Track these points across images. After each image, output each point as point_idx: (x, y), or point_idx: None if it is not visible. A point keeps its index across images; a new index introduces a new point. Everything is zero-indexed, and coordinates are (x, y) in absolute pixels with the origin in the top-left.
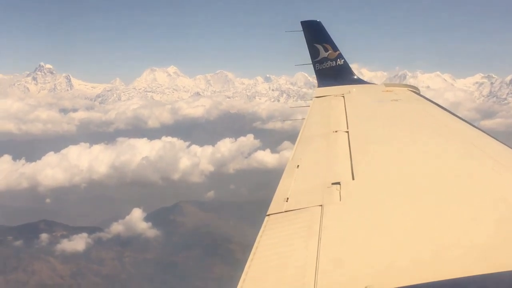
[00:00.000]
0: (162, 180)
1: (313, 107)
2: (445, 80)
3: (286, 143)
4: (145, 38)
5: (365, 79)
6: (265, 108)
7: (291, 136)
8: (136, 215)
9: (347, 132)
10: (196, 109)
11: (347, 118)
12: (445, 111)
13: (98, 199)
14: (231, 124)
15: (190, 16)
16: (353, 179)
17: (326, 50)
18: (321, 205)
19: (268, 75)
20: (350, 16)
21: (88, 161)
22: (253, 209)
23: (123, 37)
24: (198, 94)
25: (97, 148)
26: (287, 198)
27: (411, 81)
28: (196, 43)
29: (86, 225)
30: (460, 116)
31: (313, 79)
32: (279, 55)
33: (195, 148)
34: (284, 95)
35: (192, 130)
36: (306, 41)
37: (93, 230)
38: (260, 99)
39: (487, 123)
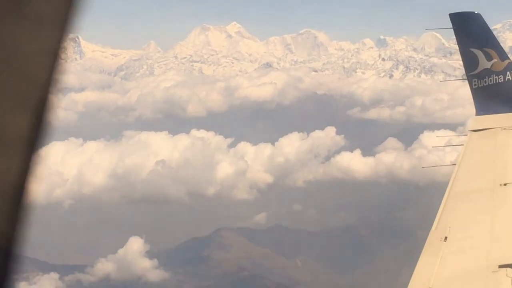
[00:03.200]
0: (189, 197)
1: (469, 146)
2: None
3: (390, 141)
4: None
5: None
6: (369, 87)
7: (402, 129)
8: (135, 247)
9: None
10: (262, 89)
11: None
12: None
13: (87, 224)
14: (315, 111)
15: None
16: None
17: (489, 58)
18: None
19: (382, 37)
20: None
21: (78, 166)
22: (332, 243)
23: None
24: (268, 65)
25: (93, 147)
26: None
27: None
28: None
29: (61, 262)
30: None
31: (450, 44)
32: (400, 8)
33: (244, 147)
34: (401, 67)
35: (252, 121)
36: (458, 43)
37: (70, 269)
38: (363, 72)
39: None
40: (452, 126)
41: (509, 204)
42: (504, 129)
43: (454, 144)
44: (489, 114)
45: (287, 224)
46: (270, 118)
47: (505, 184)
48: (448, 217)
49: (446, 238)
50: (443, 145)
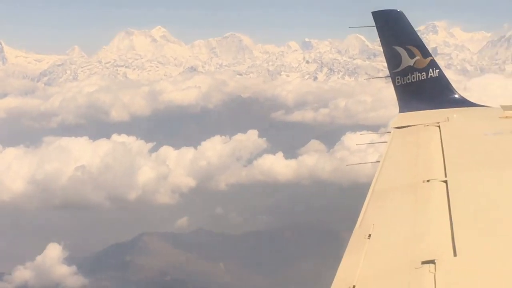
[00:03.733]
0: (110, 202)
1: (393, 143)
2: None
3: (313, 143)
4: None
5: (456, 42)
6: (293, 89)
7: (326, 131)
8: (54, 254)
9: (445, 182)
10: (186, 92)
11: (445, 160)
12: None
13: (5, 231)
14: (240, 114)
15: None
16: (455, 255)
17: (412, 55)
18: None
19: (307, 39)
20: None
21: None
22: (255, 246)
23: None
24: (193, 69)
25: (12, 153)
26: (354, 287)
27: None
28: None
29: None
30: None
31: (374, 46)
32: (325, 9)
33: (166, 151)
34: (325, 69)
35: (176, 125)
36: (381, 41)
37: None
38: (288, 75)
39: None
40: (375, 127)
41: (432, 200)
42: (427, 126)
43: (378, 142)
44: (412, 111)
45: (210, 228)
46: (194, 122)
47: (428, 181)
48: (372, 214)
49: (369, 235)
50: (365, 145)
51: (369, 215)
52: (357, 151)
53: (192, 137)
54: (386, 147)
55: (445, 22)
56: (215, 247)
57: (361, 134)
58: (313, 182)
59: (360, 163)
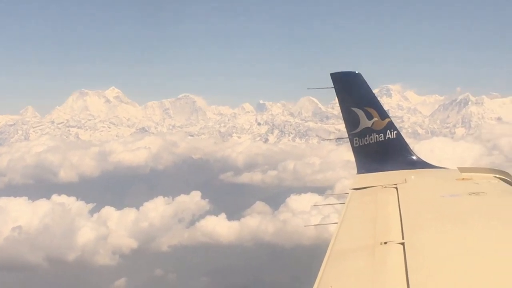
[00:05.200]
0: (48, 263)
1: (350, 204)
2: None
3: (258, 205)
4: (72, 46)
5: (409, 105)
6: (243, 151)
7: (272, 193)
8: None
9: (403, 244)
10: (136, 153)
11: (403, 222)
12: None
13: None
14: (189, 175)
15: (137, 10)
16: None
17: (370, 117)
18: None
19: (261, 101)
20: (391, 19)
21: None
22: None
23: (40, 44)
24: (144, 130)
25: None
26: None
27: (474, 109)
28: (149, 54)
29: None
30: None
31: (327, 108)
32: (281, 72)
33: (108, 212)
34: (276, 131)
35: (123, 186)
36: (339, 102)
37: None
38: (239, 137)
39: None
40: (322, 189)
41: (389, 262)
42: (385, 187)
43: (333, 203)
44: (370, 172)
45: None
46: (142, 183)
47: (385, 243)
48: (329, 276)
49: None
50: (309, 208)
51: (327, 276)
52: (300, 213)
53: (138, 198)
54: (344, 208)
55: (399, 86)
56: None
57: (322, 196)
58: (256, 244)
59: (318, 224)
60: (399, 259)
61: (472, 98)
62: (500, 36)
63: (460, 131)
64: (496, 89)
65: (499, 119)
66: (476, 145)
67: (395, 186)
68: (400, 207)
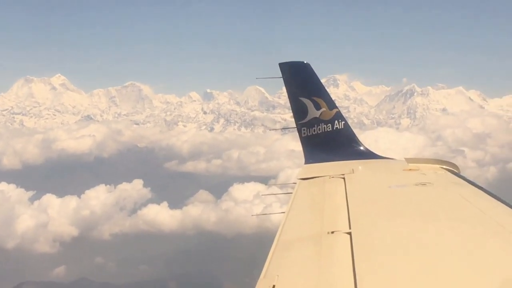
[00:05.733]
0: None
1: (298, 194)
2: (471, 99)
3: (201, 193)
4: (18, 33)
5: (356, 96)
6: (188, 140)
7: (216, 182)
8: None
9: (350, 233)
10: (80, 141)
11: (350, 212)
12: (498, 202)
13: None
14: (134, 164)
15: None
16: None
17: (318, 107)
18: None
19: (209, 90)
20: (338, 10)
21: None
22: None
23: None
24: (89, 117)
25: None
26: None
27: (419, 100)
28: (96, 41)
29: None
30: None
31: (273, 98)
32: (229, 60)
33: (49, 200)
34: (222, 120)
35: (66, 174)
36: (288, 92)
37: None
38: (185, 125)
39: None
40: (265, 179)
41: (336, 252)
42: (332, 177)
43: (277, 193)
44: (318, 162)
45: (93, 278)
46: (85, 170)
47: (332, 232)
48: (276, 265)
49: (274, 286)
50: (252, 197)
51: (274, 265)
52: (243, 202)
53: (80, 186)
54: (291, 198)
55: (346, 76)
56: None
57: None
58: (198, 233)
59: (265, 214)
60: (345, 249)
61: (418, 89)
62: (448, 28)
63: (405, 121)
64: (443, 80)
65: (444, 110)
66: (420, 136)
67: (342, 176)
68: (347, 197)
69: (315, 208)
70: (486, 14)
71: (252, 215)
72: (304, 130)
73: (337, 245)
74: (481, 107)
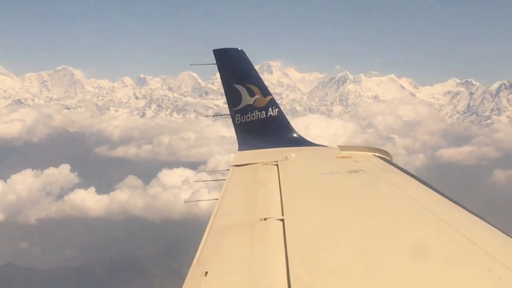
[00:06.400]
0: None
1: (231, 180)
2: (403, 87)
3: (130, 179)
4: None
5: (290, 82)
6: (119, 125)
7: (145, 168)
8: None
9: (282, 220)
10: (9, 125)
11: (283, 198)
12: (428, 189)
13: None
14: (63, 148)
15: None
16: None
17: (252, 94)
18: None
19: (142, 75)
20: None
21: None
22: (66, 281)
23: None
24: (20, 102)
25: None
26: None
27: (351, 87)
28: (28, 23)
29: None
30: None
31: (206, 84)
32: (162, 46)
33: None
34: (154, 105)
35: None
36: (222, 79)
37: None
38: (117, 111)
39: (451, 152)
40: (195, 164)
41: (268, 238)
42: (266, 164)
43: (207, 180)
44: (252, 149)
45: (19, 263)
46: (14, 155)
47: (265, 219)
48: (209, 251)
49: (206, 273)
50: (180, 182)
51: (207, 252)
52: (171, 187)
53: (7, 171)
54: (225, 184)
55: (280, 62)
56: (25, 282)
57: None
58: (125, 218)
59: (198, 200)
60: (278, 235)
61: (351, 76)
62: (382, 16)
63: (337, 108)
64: (376, 68)
65: (375, 97)
66: (351, 123)
67: (275, 163)
68: (281, 184)
69: (248, 195)
70: (418, 4)
71: (185, 201)
72: (237, 117)
73: (269, 231)
74: (413, 95)
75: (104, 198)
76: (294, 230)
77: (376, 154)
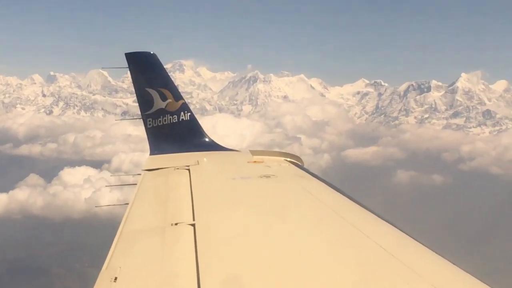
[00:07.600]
0: None
1: (142, 185)
2: (313, 87)
3: (32, 177)
4: None
5: (201, 81)
6: (25, 123)
7: (48, 167)
8: None
9: (193, 225)
10: None
11: (194, 203)
12: (337, 194)
13: None
14: None
15: None
16: None
17: (164, 98)
18: None
19: (52, 73)
20: None
21: None
22: None
23: None
24: None
25: None
26: None
27: (261, 87)
28: None
29: None
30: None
31: (116, 82)
32: (74, 44)
33: None
34: (61, 103)
35: None
36: (133, 82)
37: None
38: (23, 108)
39: (357, 152)
40: (99, 163)
41: (179, 243)
42: (177, 168)
43: (122, 183)
44: (163, 154)
45: None
46: None
47: (176, 224)
48: (119, 257)
49: (116, 278)
50: (82, 181)
51: (116, 257)
52: (72, 186)
53: None
54: (136, 189)
55: (192, 61)
56: None
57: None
58: (24, 217)
59: (109, 205)
60: (189, 240)
61: (261, 76)
62: (295, 17)
63: (247, 108)
64: (289, 67)
65: (285, 97)
66: (258, 123)
67: (187, 168)
68: (192, 189)
69: (159, 200)
70: (329, 5)
71: (95, 206)
72: (149, 121)
73: (180, 236)
74: (322, 95)
75: (3, 197)
76: (205, 235)
77: (288, 159)
